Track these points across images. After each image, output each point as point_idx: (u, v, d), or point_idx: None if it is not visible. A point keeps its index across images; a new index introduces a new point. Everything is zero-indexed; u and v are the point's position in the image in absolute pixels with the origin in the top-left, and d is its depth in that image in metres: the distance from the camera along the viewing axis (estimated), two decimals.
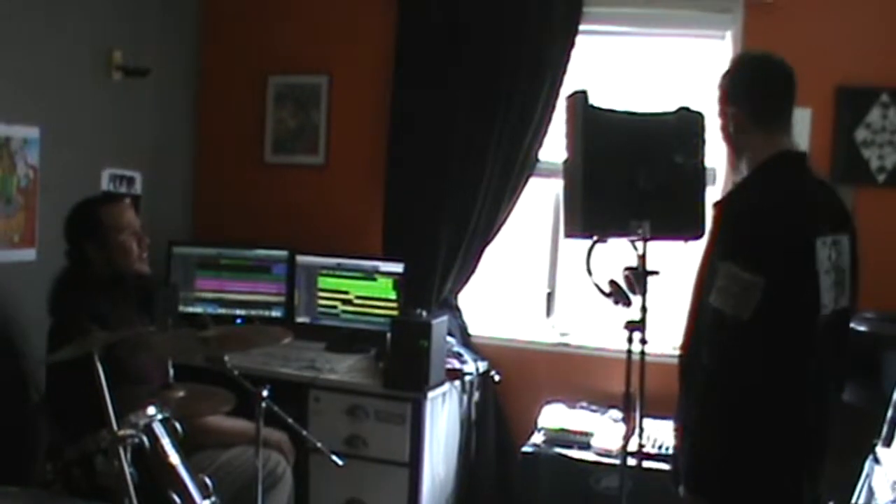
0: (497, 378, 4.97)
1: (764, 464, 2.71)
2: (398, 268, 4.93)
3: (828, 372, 2.83)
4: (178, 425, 3.24)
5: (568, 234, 3.47)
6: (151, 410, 3.12)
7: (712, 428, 2.74)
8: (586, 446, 4.40)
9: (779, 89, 2.91)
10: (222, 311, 5.12)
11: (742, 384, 2.67)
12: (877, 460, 3.41)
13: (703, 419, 2.77)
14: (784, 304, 2.65)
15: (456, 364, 4.70)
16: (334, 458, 3.72)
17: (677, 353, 3.02)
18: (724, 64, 3.05)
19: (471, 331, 5.13)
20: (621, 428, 3.62)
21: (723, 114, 2.94)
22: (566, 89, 4.63)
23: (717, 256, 2.74)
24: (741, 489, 2.73)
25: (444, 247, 4.98)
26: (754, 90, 2.90)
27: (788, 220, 2.73)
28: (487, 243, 5.01)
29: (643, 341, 3.22)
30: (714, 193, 4.27)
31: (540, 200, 5.11)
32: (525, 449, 4.46)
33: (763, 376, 2.66)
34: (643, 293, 3.24)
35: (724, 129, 2.95)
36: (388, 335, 4.41)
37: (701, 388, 2.78)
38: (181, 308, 4.91)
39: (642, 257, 3.25)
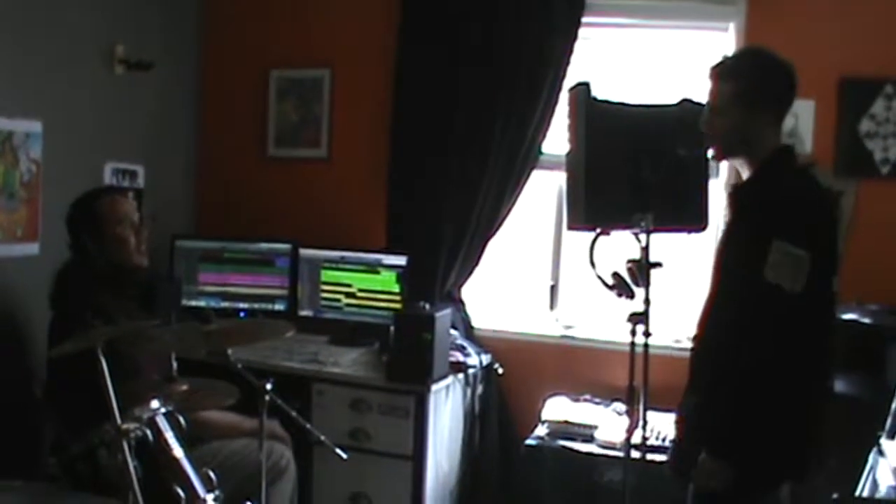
0: (500, 371, 4.98)
1: (794, 429, 2.87)
2: (401, 261, 4.92)
3: (831, 347, 2.99)
4: (181, 419, 3.24)
5: (571, 227, 3.47)
6: (155, 404, 3.12)
7: (753, 395, 2.83)
8: (590, 439, 4.40)
9: (795, 90, 3.01)
10: (225, 304, 5.12)
11: (791, 356, 2.80)
12: (881, 452, 3.41)
13: (743, 388, 2.84)
14: (820, 280, 2.81)
15: (459, 357, 4.70)
16: (338, 451, 3.72)
17: (691, 342, 3.18)
18: (733, 65, 3.06)
19: (474, 324, 5.13)
20: (625, 420, 3.61)
21: (745, 115, 2.96)
22: (569, 81, 4.63)
23: (764, 236, 2.81)
24: (774, 454, 2.86)
25: (447, 240, 4.98)
26: (788, 97, 3.00)
27: (823, 205, 2.99)
28: (490, 236, 5.00)
29: (646, 334, 3.21)
30: (717, 185, 4.27)
31: (543, 193, 5.11)
32: (528, 442, 4.46)
33: (808, 349, 2.82)
34: (646, 285, 3.23)
35: (744, 128, 2.98)
36: (392, 328, 4.41)
37: (743, 361, 2.84)
38: (184, 302, 4.91)
39: (645, 249, 3.24)
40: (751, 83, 2.96)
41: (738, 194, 3.10)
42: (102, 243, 3.75)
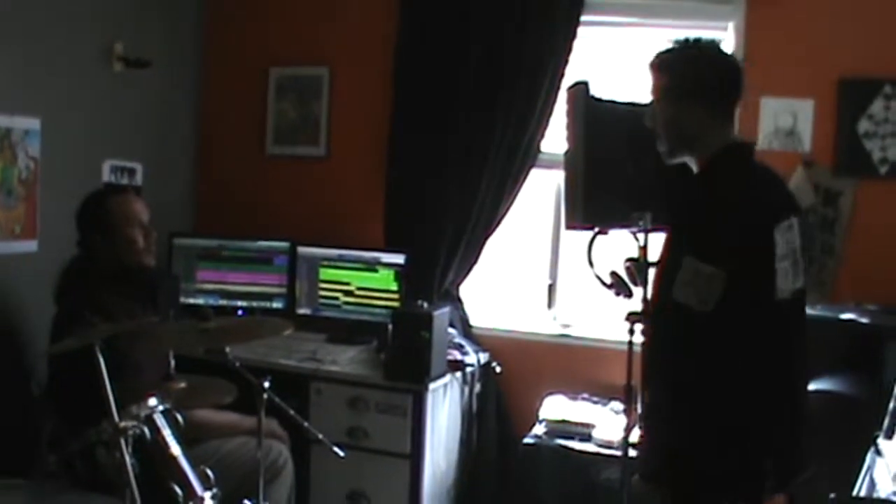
0: (498, 370, 4.98)
1: (728, 450, 2.67)
2: (400, 259, 4.92)
3: (792, 355, 2.79)
4: (179, 417, 3.24)
5: (569, 226, 3.46)
6: (153, 402, 3.12)
7: (677, 418, 2.71)
8: (587, 438, 4.41)
9: (737, 83, 2.84)
10: (224, 302, 5.12)
11: (709, 374, 2.63)
12: (878, 452, 3.41)
13: (670, 410, 2.74)
14: (746, 294, 2.61)
15: (457, 355, 4.70)
16: (335, 449, 3.72)
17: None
18: (665, 58, 2.89)
19: (472, 322, 5.13)
20: (622, 419, 3.62)
21: (676, 109, 2.83)
22: (567, 80, 4.63)
23: (679, 251, 2.70)
24: (706, 477, 2.70)
25: (445, 238, 4.98)
26: (718, 88, 2.82)
27: (747, 211, 2.68)
28: (489, 235, 5.00)
29: (644, 333, 3.21)
30: None
31: (541, 192, 5.11)
32: (526, 440, 4.46)
33: (730, 366, 2.63)
34: (644, 284, 3.23)
35: (678, 124, 2.85)
36: (390, 327, 4.41)
37: (666, 380, 2.74)
38: (182, 299, 4.91)
39: (644, 248, 3.25)
40: (678, 76, 2.83)
41: (674, 198, 2.96)
42: (112, 242, 3.76)
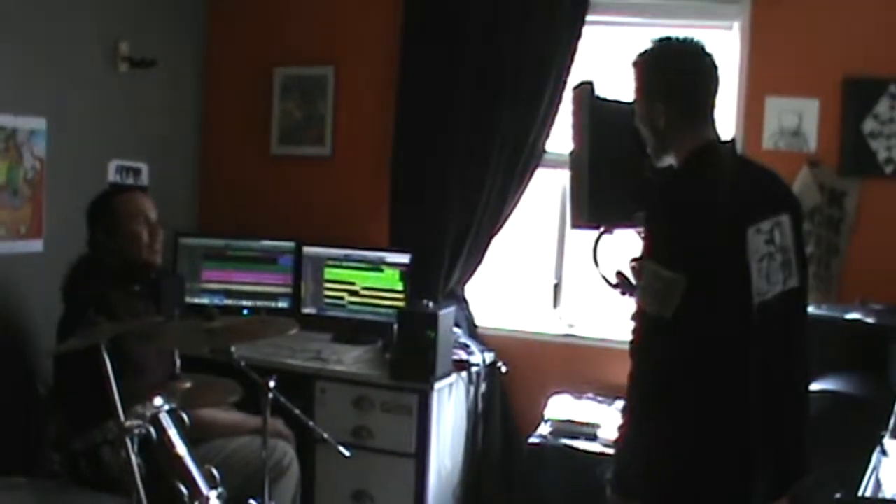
0: (504, 369, 4.97)
1: (699, 461, 2.67)
2: (405, 259, 4.92)
3: (779, 358, 2.70)
4: (184, 416, 3.25)
5: (574, 226, 3.45)
6: (158, 401, 3.13)
7: (644, 427, 2.71)
8: (593, 437, 4.41)
9: (705, 80, 2.81)
10: (229, 302, 5.13)
11: (665, 382, 2.62)
12: (884, 452, 3.39)
13: (633, 419, 2.74)
14: (710, 298, 2.59)
15: (462, 355, 4.70)
16: (341, 449, 3.72)
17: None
18: (639, 55, 2.89)
19: (477, 322, 5.13)
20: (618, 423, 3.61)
21: (647, 108, 2.83)
22: (572, 80, 4.63)
23: (643, 253, 2.71)
24: (674, 490, 2.70)
25: (450, 238, 4.97)
26: (682, 86, 2.80)
27: (710, 212, 2.64)
28: (494, 234, 5.00)
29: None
30: None
31: (546, 191, 5.11)
32: (532, 440, 4.46)
33: (688, 373, 2.61)
34: None
35: (651, 123, 2.84)
36: (395, 326, 4.42)
37: (631, 386, 2.72)
38: (187, 299, 4.91)
39: None
40: (644, 74, 2.84)
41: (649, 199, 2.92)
42: (116, 238, 3.77)
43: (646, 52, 2.86)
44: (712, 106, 2.84)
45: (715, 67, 2.82)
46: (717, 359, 2.63)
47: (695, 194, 2.70)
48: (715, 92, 2.83)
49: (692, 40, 2.85)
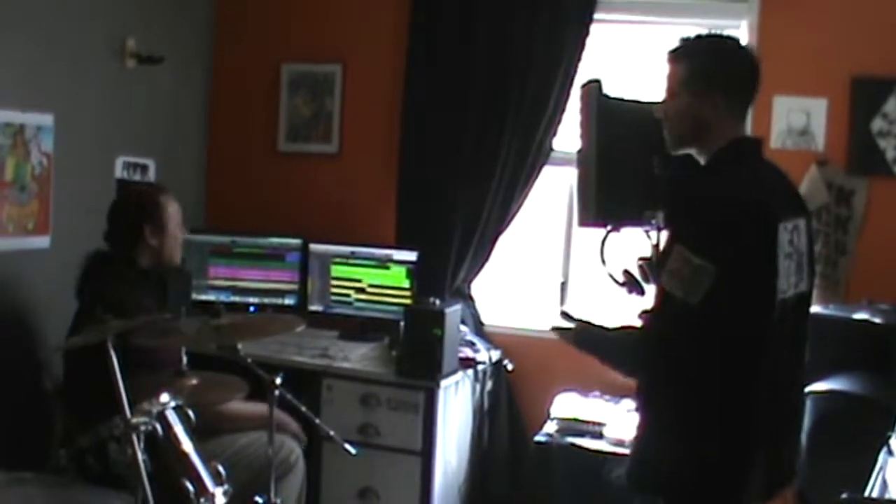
0: (510, 367, 4.97)
1: (714, 454, 2.62)
2: (411, 256, 4.92)
3: (790, 357, 2.75)
4: (190, 413, 3.25)
5: (581, 224, 3.45)
6: (165, 398, 3.13)
7: (662, 421, 2.70)
8: (599, 436, 4.40)
9: (757, 80, 2.82)
10: (235, 298, 5.13)
11: (691, 373, 2.59)
12: (891, 452, 3.39)
13: (650, 413, 2.75)
14: (741, 291, 2.56)
15: (469, 353, 4.70)
16: (347, 446, 3.71)
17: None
18: (687, 47, 2.87)
19: (484, 320, 5.13)
20: (634, 418, 3.61)
21: (692, 100, 2.80)
22: (580, 78, 4.62)
23: (671, 239, 2.69)
24: (689, 484, 2.66)
25: (457, 235, 4.98)
26: (736, 78, 2.80)
27: (750, 207, 2.63)
28: (501, 232, 5.00)
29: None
30: None
31: (554, 189, 5.10)
32: (538, 438, 4.46)
33: (715, 365, 2.58)
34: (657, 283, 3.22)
35: (690, 113, 2.81)
36: (402, 324, 4.42)
37: (645, 378, 2.75)
38: (194, 296, 4.92)
39: (656, 247, 3.24)
40: (701, 65, 2.80)
41: (677, 188, 2.95)
42: (160, 238, 3.83)
43: (694, 42, 2.86)
44: (750, 104, 2.86)
45: (759, 66, 2.82)
46: (742, 354, 2.61)
47: (735, 187, 2.69)
48: (758, 91, 2.84)
49: (737, 38, 2.88)
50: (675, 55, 2.87)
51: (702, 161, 2.85)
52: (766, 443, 2.70)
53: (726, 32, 2.95)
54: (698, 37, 2.86)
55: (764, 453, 2.69)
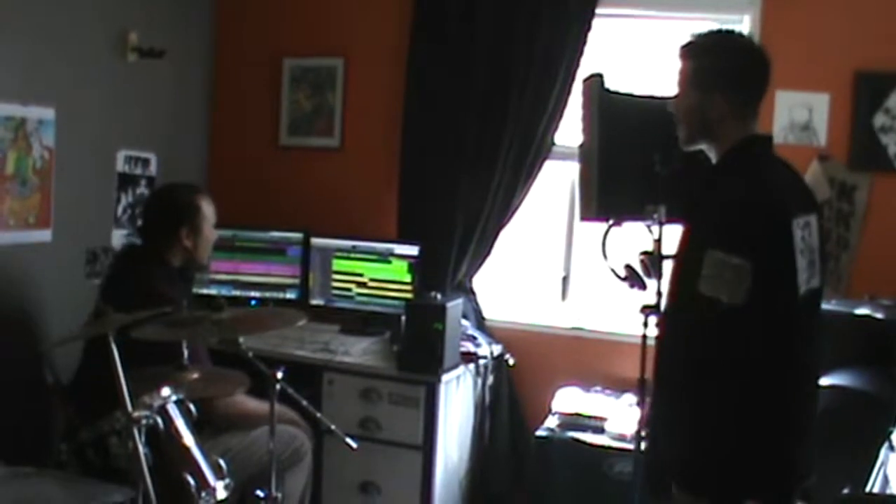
0: (511, 362, 4.97)
1: (762, 451, 2.65)
2: (413, 250, 4.92)
3: (803, 353, 2.76)
4: (192, 407, 3.25)
5: (583, 218, 3.46)
6: (166, 392, 3.13)
7: (710, 420, 2.67)
8: (600, 431, 4.40)
9: (766, 77, 2.83)
10: (237, 292, 5.13)
11: (739, 371, 2.60)
12: (892, 448, 3.40)
13: (697, 412, 2.69)
14: (770, 288, 2.59)
15: (470, 347, 4.70)
16: (348, 440, 3.71)
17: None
18: (696, 43, 2.87)
19: (485, 314, 5.12)
20: (636, 412, 3.61)
21: (701, 97, 2.81)
22: (582, 72, 4.61)
23: (701, 244, 2.67)
24: (743, 480, 2.67)
25: (459, 230, 4.97)
26: (745, 75, 2.81)
27: (769, 205, 2.67)
28: (503, 227, 4.99)
29: (658, 325, 3.20)
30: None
31: (555, 184, 5.10)
32: (539, 433, 4.46)
33: (758, 361, 2.60)
34: (658, 277, 3.23)
35: (700, 109, 2.82)
36: (403, 318, 4.42)
37: (690, 380, 2.71)
38: (196, 290, 4.91)
39: (658, 241, 3.24)
40: (709, 62, 2.81)
41: (693, 188, 2.93)
42: (195, 238, 3.90)
43: (705, 38, 2.86)
44: (761, 101, 2.85)
45: (770, 64, 2.82)
46: (779, 350, 2.64)
47: (752, 185, 2.70)
48: (767, 88, 2.85)
49: (750, 37, 2.92)
50: (685, 51, 2.87)
51: (713, 158, 2.86)
52: (801, 436, 2.75)
53: (729, 27, 2.95)
54: (708, 33, 2.86)
55: (799, 447, 2.74)
